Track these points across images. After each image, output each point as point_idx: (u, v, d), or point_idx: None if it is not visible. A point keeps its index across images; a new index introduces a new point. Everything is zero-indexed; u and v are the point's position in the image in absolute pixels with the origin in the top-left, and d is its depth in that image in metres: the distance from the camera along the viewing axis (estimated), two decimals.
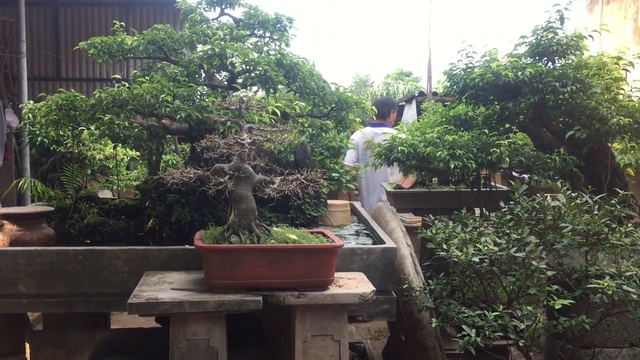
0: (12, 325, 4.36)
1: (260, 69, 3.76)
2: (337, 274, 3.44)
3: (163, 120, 3.91)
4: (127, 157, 5.75)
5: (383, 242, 3.81)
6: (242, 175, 3.13)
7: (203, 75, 4.23)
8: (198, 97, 3.67)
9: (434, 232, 3.38)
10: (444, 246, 3.17)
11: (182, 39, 4.01)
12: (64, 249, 3.54)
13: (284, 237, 3.16)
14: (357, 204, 5.28)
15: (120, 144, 3.63)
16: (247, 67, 3.84)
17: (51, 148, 5.07)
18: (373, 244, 3.98)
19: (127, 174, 6.35)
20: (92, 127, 3.54)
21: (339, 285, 3.25)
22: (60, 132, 4.55)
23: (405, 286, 3.81)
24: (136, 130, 3.52)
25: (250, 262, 3.03)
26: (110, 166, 5.56)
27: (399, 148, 4.17)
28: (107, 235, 4.13)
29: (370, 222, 4.44)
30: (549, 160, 4.06)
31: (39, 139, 4.81)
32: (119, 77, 3.89)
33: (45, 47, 12.52)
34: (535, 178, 4.00)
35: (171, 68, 4.10)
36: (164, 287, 3.15)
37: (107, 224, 4.19)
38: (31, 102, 4.23)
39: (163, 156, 6.98)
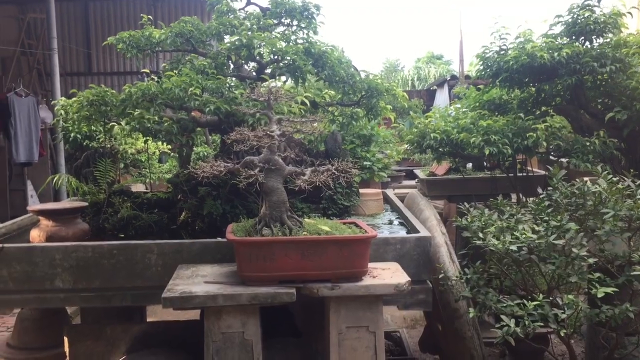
0: (51, 319, 4.44)
1: (289, 58, 3.71)
2: (371, 265, 3.39)
3: (193, 114, 3.90)
4: (159, 151, 5.78)
5: (417, 231, 3.74)
6: (272, 167, 3.10)
7: (231, 66, 4.20)
8: (226, 89, 3.63)
9: (469, 220, 3.30)
10: (480, 235, 3.09)
11: (209, 30, 3.98)
12: (99, 244, 3.56)
13: (316, 228, 3.12)
14: (390, 192, 5.21)
15: (151, 138, 3.62)
16: (275, 57, 3.80)
17: (84, 143, 5.11)
18: (407, 233, 3.92)
19: (159, 167, 6.39)
20: (123, 122, 3.54)
21: (373, 275, 3.20)
22: (93, 128, 4.59)
23: (441, 275, 3.74)
24: (166, 124, 3.51)
25: (283, 254, 3.00)
26: (143, 160, 5.58)
27: (432, 135, 4.08)
28: (140, 229, 4.15)
29: (404, 211, 4.37)
30: (587, 144, 3.93)
31: (72, 134, 4.85)
32: (148, 70, 3.88)
33: (76, 42, 12.64)
34: (574, 162, 3.88)
35: (199, 60, 4.07)
36: (198, 281, 3.14)
37: (140, 217, 4.21)
38: (63, 98, 4.26)
39: (195, 148, 7.01)
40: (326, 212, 4.27)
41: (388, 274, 3.24)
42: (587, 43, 4.26)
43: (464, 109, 4.82)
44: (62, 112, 4.18)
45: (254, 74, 4.11)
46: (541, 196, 3.32)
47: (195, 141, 7.18)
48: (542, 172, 5.53)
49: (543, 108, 4.46)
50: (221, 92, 3.61)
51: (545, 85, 4.20)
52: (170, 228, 4.20)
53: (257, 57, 3.88)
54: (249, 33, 3.71)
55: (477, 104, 4.69)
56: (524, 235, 2.97)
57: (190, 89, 3.47)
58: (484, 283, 3.37)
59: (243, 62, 4.00)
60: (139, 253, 3.52)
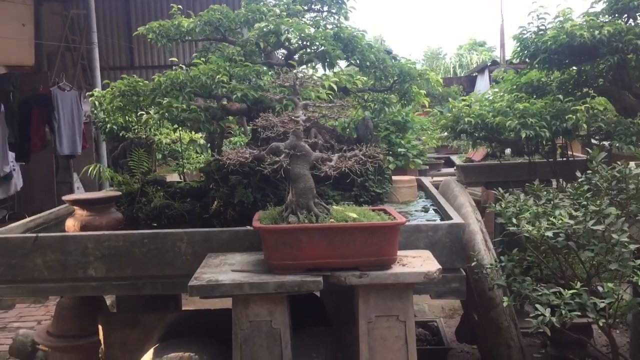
0: (89, 308, 4.50)
1: (317, 44, 3.64)
2: (401, 253, 3.31)
3: (223, 102, 3.88)
4: (198, 141, 5.80)
5: (450, 218, 3.64)
6: (299, 153, 3.05)
7: (263, 54, 4.16)
8: (254, 76, 3.60)
9: (503, 206, 3.18)
10: (514, 221, 2.98)
11: (238, 18, 3.95)
12: (130, 232, 3.59)
13: (343, 215, 3.06)
14: (425, 179, 5.10)
15: (179, 127, 3.62)
16: (304, 43, 3.74)
17: (120, 134, 5.16)
18: (441, 220, 3.82)
19: (197, 157, 6.41)
20: (152, 111, 3.55)
21: (403, 264, 3.12)
22: (127, 118, 4.62)
23: (474, 263, 3.64)
24: (194, 112, 3.50)
25: (309, 242, 2.95)
26: (180, 150, 5.61)
27: (466, 119, 3.96)
28: (172, 218, 4.16)
29: (438, 198, 4.27)
30: (631, 125, 3.75)
31: (108, 125, 4.90)
32: (176, 59, 3.87)
33: (117, 36, 12.86)
34: (617, 145, 3.71)
35: (230, 49, 4.04)
36: (225, 269, 3.13)
37: (172, 206, 4.22)
38: (97, 89, 4.30)
39: (233, 138, 7.01)
40: (358, 199, 4.19)
41: (418, 262, 3.16)
42: (631, 20, 4.06)
43: (501, 93, 4.67)
44: (96, 102, 4.23)
45: (283, 60, 4.06)
46: (580, 180, 3.18)
47: (234, 131, 7.21)
48: (584, 157, 5.32)
49: (584, 90, 4.27)
50: (249, 79, 3.58)
51: (586, 66, 4.03)
52: (202, 217, 4.20)
53: (286, 44, 3.83)
54: (277, 19, 3.66)
55: (515, 86, 4.53)
56: (560, 221, 2.85)
57: (218, 76, 3.45)
58: (520, 271, 3.25)
59: (271, 49, 3.95)
60: (169, 242, 3.53)
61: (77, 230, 3.88)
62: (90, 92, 4.26)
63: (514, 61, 4.94)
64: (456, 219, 3.57)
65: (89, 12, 8.84)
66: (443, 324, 5.44)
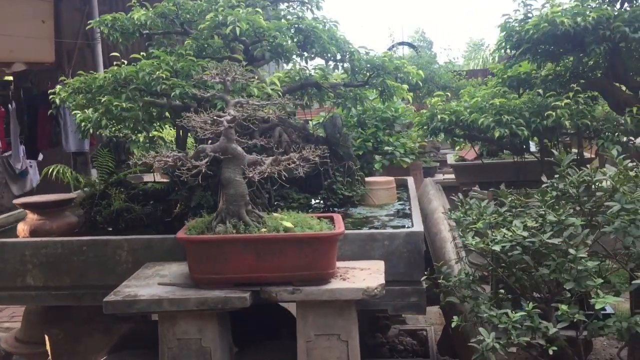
0: (56, 314, 4.35)
1: (270, 36, 3.37)
2: (350, 264, 3.04)
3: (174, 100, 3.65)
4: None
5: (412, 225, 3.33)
6: (229, 156, 2.79)
7: (229, 49, 3.90)
8: (200, 71, 3.34)
9: (461, 213, 2.86)
10: (460, 231, 2.66)
11: (194, 9, 3.70)
12: (68, 239, 3.40)
13: (277, 224, 2.79)
14: (412, 180, 4.77)
15: (119, 125, 3.40)
16: (256, 35, 3.47)
17: (97, 133, 4.98)
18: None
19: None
20: (90, 110, 3.35)
21: (345, 277, 2.84)
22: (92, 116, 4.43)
23: (442, 275, 3.32)
24: (132, 111, 3.27)
25: (236, 254, 2.70)
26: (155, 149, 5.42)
27: (439, 116, 3.63)
28: (132, 221, 3.96)
29: (412, 201, 3.96)
30: (620, 123, 3.36)
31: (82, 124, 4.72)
32: (118, 54, 3.65)
33: None
34: (602, 144, 3.33)
35: (188, 42, 3.80)
36: (153, 282, 2.90)
37: (132, 210, 4.02)
38: (58, 87, 4.10)
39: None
40: (326, 202, 3.92)
41: (363, 276, 2.87)
42: (626, 5, 3.65)
43: (491, 89, 4.31)
44: (57, 100, 4.04)
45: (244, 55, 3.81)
46: (544, 185, 2.83)
47: None
48: (592, 157, 4.92)
49: (572, 84, 3.87)
50: (191, 75, 3.32)
51: (570, 57, 3.64)
52: (164, 220, 4.00)
53: (242, 37, 3.56)
54: (226, 10, 3.39)
55: (500, 80, 4.17)
56: (510, 234, 2.51)
57: (158, 72, 3.21)
58: (476, 285, 2.92)
59: (229, 42, 3.69)
60: (110, 249, 3.33)
61: (26, 236, 3.72)
62: (53, 90, 4.07)
63: (497, 54, 4.57)
64: (416, 226, 3.26)
65: (91, 8, 8.74)
66: (433, 333, 5.11)
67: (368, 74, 4.08)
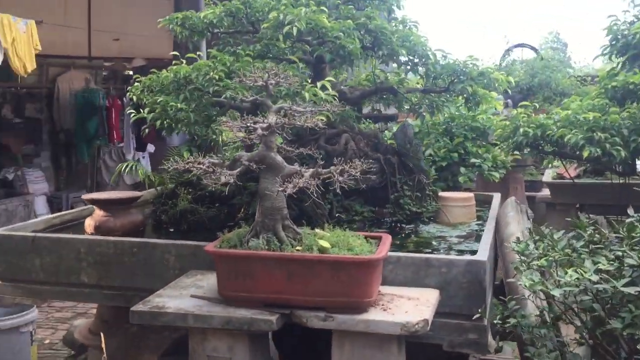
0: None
1: (332, 36, 3.13)
2: (399, 290, 2.75)
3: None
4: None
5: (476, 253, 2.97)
6: (267, 166, 2.59)
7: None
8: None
9: (527, 244, 2.48)
10: (521, 267, 2.28)
11: (262, 7, 3.54)
12: (120, 239, 3.36)
13: (314, 242, 2.55)
14: (498, 197, 4.33)
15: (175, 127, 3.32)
16: (320, 36, 3.24)
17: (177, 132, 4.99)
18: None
19: None
20: (146, 110, 3.29)
21: (387, 307, 2.55)
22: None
23: (509, 311, 2.93)
24: (184, 112, 3.17)
25: (266, 272, 2.49)
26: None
27: (522, 129, 3.22)
28: (194, 224, 3.88)
29: (488, 224, 3.56)
30: None
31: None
32: (194, 55, 3.55)
33: None
34: None
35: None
36: (186, 293, 2.77)
37: (197, 211, 3.94)
38: (136, 84, 4.10)
39: None
40: (391, 218, 3.63)
41: (408, 307, 2.56)
42: None
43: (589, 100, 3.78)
44: (133, 97, 4.04)
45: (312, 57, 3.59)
46: (631, 219, 2.38)
47: None
48: None
49: None
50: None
51: None
52: (227, 225, 3.89)
53: (305, 37, 3.36)
54: (286, 8, 3.20)
55: (603, 90, 3.64)
56: (575, 278, 2.11)
57: (212, 72, 3.08)
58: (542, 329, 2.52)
59: (291, 42, 3.49)
60: (158, 253, 3.26)
61: (92, 232, 3.74)
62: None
63: (603, 60, 3.99)
64: (480, 254, 2.89)
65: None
66: None
67: (448, 79, 3.73)
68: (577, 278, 2.11)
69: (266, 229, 2.59)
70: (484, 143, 4.80)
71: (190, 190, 4.20)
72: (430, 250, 3.25)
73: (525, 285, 2.16)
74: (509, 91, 7.95)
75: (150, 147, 10.32)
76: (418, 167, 3.65)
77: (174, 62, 3.37)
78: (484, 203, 4.32)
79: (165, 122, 3.28)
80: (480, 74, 3.71)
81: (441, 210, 3.86)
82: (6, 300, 3.54)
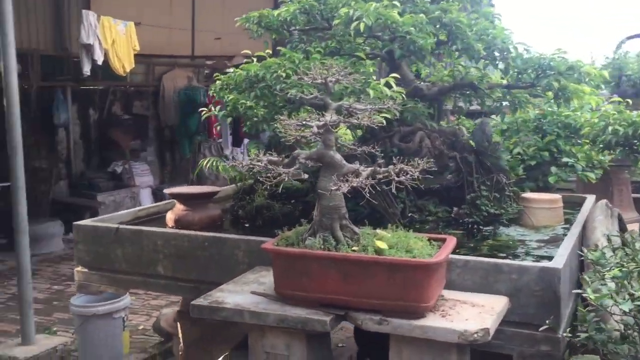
0: None
1: (403, 32, 3.04)
2: (464, 296, 2.64)
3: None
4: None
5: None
6: (325, 164, 2.55)
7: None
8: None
9: (597, 255, 2.28)
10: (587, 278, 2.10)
11: (335, 3, 3.50)
12: (194, 233, 3.45)
13: (371, 243, 2.49)
14: (591, 199, 4.03)
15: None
16: (391, 31, 3.16)
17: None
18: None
19: None
20: (217, 108, 3.35)
21: (447, 314, 2.44)
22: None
23: (588, 324, 2.72)
24: (253, 110, 3.19)
25: (321, 272, 2.46)
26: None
27: (611, 128, 2.98)
28: (269, 220, 3.93)
29: (572, 228, 3.33)
30: None
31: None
32: (249, 52, 3.57)
33: None
34: None
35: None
36: (248, 289, 2.79)
37: (272, 207, 3.99)
38: (218, 81, 4.19)
39: None
40: (467, 219, 3.48)
41: (470, 314, 2.44)
42: None
43: None
44: (215, 95, 4.13)
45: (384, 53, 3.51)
46: None
47: None
48: None
49: None
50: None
51: None
52: (301, 221, 3.90)
53: (376, 33, 3.28)
54: (355, 3, 3.14)
55: None
56: None
57: (279, 70, 3.09)
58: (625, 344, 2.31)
59: (365, 39, 3.43)
60: (228, 248, 3.32)
61: (173, 225, 3.87)
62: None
63: None
64: (556, 261, 2.70)
65: None
66: None
67: (534, 74, 3.52)
68: None
69: (324, 228, 2.56)
70: (579, 141, 4.49)
71: (268, 186, 4.24)
72: (505, 255, 3.09)
73: (590, 298, 1.98)
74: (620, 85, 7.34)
75: (247, 143, 10.57)
76: (497, 166, 3.47)
77: (245, 60, 3.41)
78: (577, 205, 4.05)
79: (233, 119, 3.31)
80: (570, 67, 3.47)
81: (524, 212, 3.66)
82: (92, 288, 3.73)
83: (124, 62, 6.31)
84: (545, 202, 3.64)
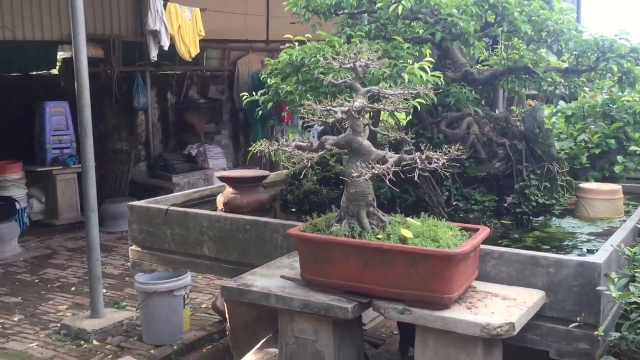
0: None
1: (445, 14, 2.94)
2: (496, 288, 2.57)
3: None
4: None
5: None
6: (353, 151, 2.52)
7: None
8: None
9: (634, 251, 2.14)
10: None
11: None
12: (236, 217, 3.51)
13: (397, 231, 2.44)
14: None
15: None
16: (434, 14, 3.06)
17: None
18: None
19: None
20: (259, 93, 3.38)
21: (473, 306, 2.37)
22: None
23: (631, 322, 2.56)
24: (292, 94, 3.19)
25: (343, 259, 2.44)
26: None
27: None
28: (316, 204, 3.93)
29: (628, 222, 3.12)
30: None
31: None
32: (303, 37, 3.54)
33: None
34: None
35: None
36: (279, 273, 2.81)
37: (320, 192, 4.00)
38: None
39: None
40: (515, 209, 3.34)
41: (498, 307, 2.36)
42: None
43: None
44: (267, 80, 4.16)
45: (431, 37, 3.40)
46: None
47: None
48: None
49: None
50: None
51: None
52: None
53: (420, 16, 3.19)
54: None
55: None
56: None
57: (318, 55, 3.06)
58: None
59: (409, 22, 3.33)
60: (268, 232, 3.35)
61: (222, 208, 3.95)
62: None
63: None
64: (597, 256, 2.54)
65: None
66: None
67: (593, 57, 3.32)
68: None
69: (350, 215, 2.54)
70: None
71: (317, 170, 4.25)
72: (549, 247, 2.95)
73: (614, 297, 1.85)
74: None
75: (318, 127, 10.61)
76: (548, 154, 3.30)
77: (287, 44, 3.41)
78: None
79: (275, 103, 3.32)
80: (633, 50, 3.25)
81: (580, 203, 3.48)
82: (145, 267, 3.88)
83: (189, 47, 6.48)
84: (604, 192, 3.44)
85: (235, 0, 9.75)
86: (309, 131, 5.35)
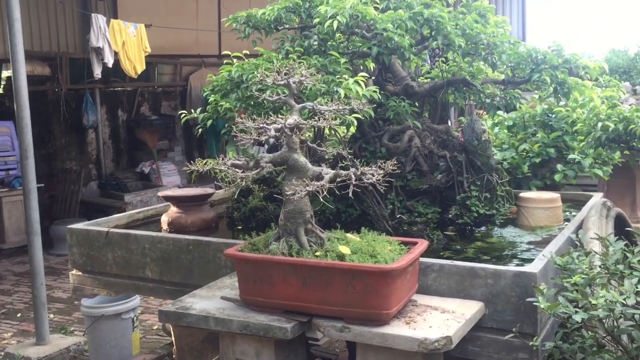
0: None
1: (380, 29, 2.95)
2: (437, 301, 2.57)
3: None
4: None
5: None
6: (290, 168, 2.50)
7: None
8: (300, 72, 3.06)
9: (565, 260, 2.16)
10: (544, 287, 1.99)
11: (318, 1, 3.43)
12: (178, 237, 3.44)
13: (335, 248, 2.42)
14: (596, 198, 3.85)
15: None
16: (370, 29, 3.07)
17: None
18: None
19: None
20: (197, 111, 3.33)
21: (412, 321, 2.36)
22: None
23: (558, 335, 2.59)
24: (229, 111, 3.16)
25: (281, 278, 2.41)
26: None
27: (601, 124, 2.83)
28: (263, 221, 3.89)
29: (565, 230, 3.18)
30: None
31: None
32: (240, 54, 3.51)
33: None
34: None
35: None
36: (219, 294, 2.76)
37: (266, 209, 3.96)
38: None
39: None
40: (457, 220, 3.36)
41: (436, 321, 2.36)
42: None
43: None
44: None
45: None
46: None
47: None
48: None
49: None
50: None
51: None
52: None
53: (356, 31, 3.20)
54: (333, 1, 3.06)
55: None
56: (604, 300, 1.79)
57: (255, 71, 3.04)
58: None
59: (348, 36, 3.34)
60: (211, 251, 3.29)
61: (166, 228, 3.88)
62: None
63: None
64: (533, 265, 2.57)
65: None
66: None
67: (528, 69, 3.39)
68: (608, 300, 1.79)
69: (288, 233, 2.51)
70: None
71: (264, 187, 4.21)
72: (489, 258, 2.97)
73: (542, 307, 1.86)
74: None
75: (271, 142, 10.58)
76: (487, 165, 3.34)
77: (225, 61, 3.38)
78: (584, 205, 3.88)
79: (214, 121, 3.29)
80: (565, 61, 3.33)
81: (521, 212, 3.53)
82: (86, 291, 3.77)
83: (135, 64, 6.39)
84: (543, 201, 3.50)
85: (186, 15, 9.68)
86: (259, 147, 5.31)
